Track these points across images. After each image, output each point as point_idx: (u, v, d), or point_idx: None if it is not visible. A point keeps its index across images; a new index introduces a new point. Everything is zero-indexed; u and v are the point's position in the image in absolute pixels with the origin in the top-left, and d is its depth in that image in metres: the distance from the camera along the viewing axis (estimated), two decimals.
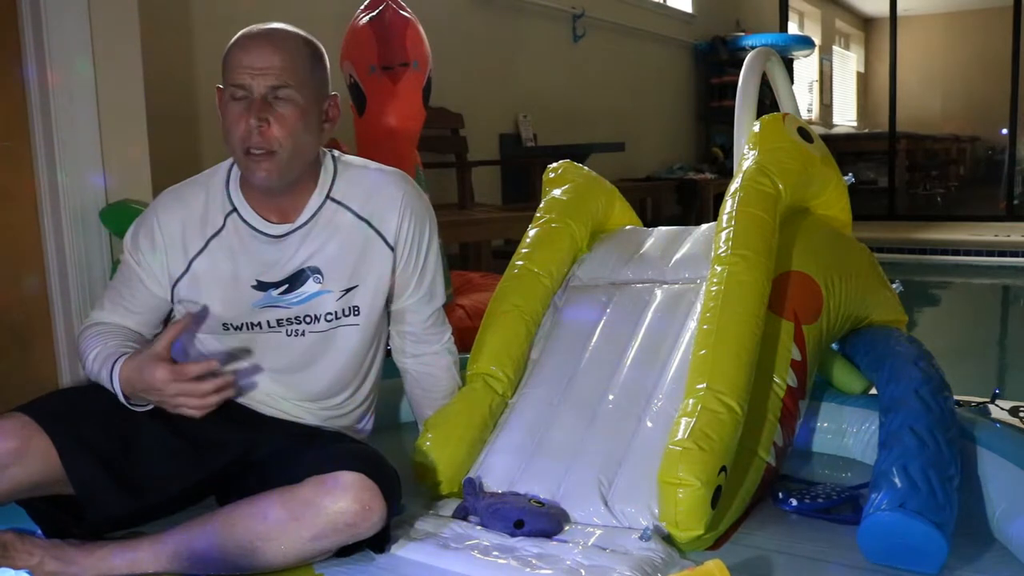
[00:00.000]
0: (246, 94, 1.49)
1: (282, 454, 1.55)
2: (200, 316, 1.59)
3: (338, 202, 1.61)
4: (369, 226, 1.62)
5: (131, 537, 1.48)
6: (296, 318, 1.59)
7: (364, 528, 1.40)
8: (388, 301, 1.70)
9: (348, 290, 1.61)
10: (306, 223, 1.58)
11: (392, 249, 1.64)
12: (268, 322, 1.59)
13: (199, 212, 1.59)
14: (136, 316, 1.61)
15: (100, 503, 1.45)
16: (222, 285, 1.57)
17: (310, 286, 1.58)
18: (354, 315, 1.63)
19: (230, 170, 1.62)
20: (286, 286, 1.58)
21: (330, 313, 1.60)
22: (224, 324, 1.59)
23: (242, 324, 1.59)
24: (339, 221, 1.60)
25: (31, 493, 1.44)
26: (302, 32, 1.56)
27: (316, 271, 1.58)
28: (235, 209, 1.59)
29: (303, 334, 1.60)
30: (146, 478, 1.48)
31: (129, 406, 1.49)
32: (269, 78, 1.48)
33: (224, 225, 1.58)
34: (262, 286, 1.57)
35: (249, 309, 1.58)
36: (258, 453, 1.58)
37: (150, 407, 1.50)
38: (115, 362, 1.48)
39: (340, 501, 1.38)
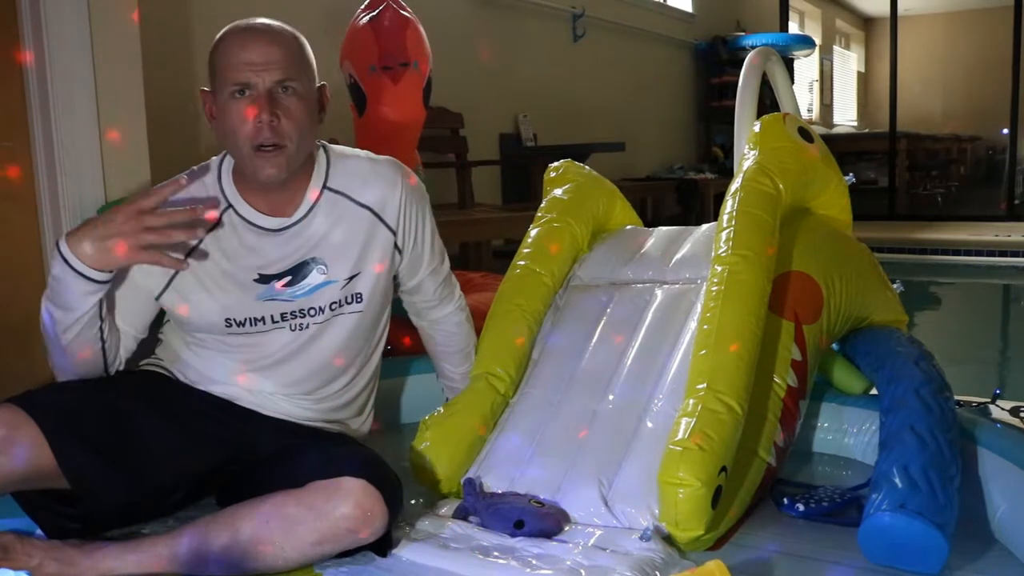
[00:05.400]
0: (250, 91, 1.47)
1: (283, 455, 1.54)
2: (201, 317, 1.56)
3: (336, 191, 1.60)
4: (371, 212, 1.62)
5: (131, 538, 1.47)
6: (300, 311, 1.58)
7: (366, 534, 1.40)
8: (396, 285, 1.72)
9: (351, 278, 1.61)
10: (306, 215, 1.58)
11: (393, 232, 1.65)
12: (272, 316, 1.57)
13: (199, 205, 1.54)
14: (127, 316, 1.57)
15: (93, 489, 1.43)
16: (220, 281, 1.55)
17: (314, 277, 1.57)
18: (356, 302, 1.63)
19: (220, 167, 1.59)
20: (289, 278, 1.56)
21: (335, 302, 1.60)
22: (227, 321, 1.56)
23: (245, 319, 1.56)
24: (340, 210, 1.60)
25: (23, 485, 1.42)
26: (285, 24, 1.54)
27: (319, 262, 1.58)
28: (231, 205, 1.57)
29: (307, 326, 1.59)
30: (140, 464, 1.46)
31: (90, 278, 1.43)
32: (274, 72, 1.47)
33: (220, 222, 1.56)
34: (264, 279, 1.56)
35: (252, 302, 1.56)
36: (258, 452, 1.58)
37: (111, 276, 1.46)
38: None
39: (342, 507, 1.38)
